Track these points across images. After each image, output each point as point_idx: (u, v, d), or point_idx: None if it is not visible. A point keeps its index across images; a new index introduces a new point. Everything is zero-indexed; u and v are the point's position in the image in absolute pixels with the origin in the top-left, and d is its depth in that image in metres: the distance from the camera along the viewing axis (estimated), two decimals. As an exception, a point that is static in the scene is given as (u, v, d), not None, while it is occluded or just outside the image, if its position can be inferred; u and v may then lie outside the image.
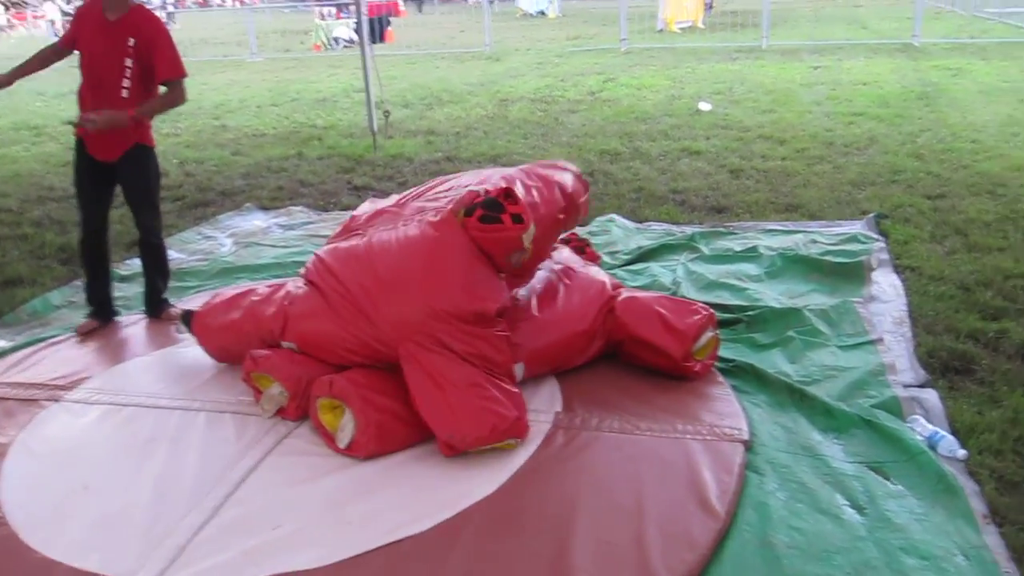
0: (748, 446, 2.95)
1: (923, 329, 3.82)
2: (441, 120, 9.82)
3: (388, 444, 2.98)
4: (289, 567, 2.46)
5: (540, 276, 3.65)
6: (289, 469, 2.95)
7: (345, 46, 19.60)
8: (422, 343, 3.01)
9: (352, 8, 16.57)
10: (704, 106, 9.58)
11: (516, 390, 3.09)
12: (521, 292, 3.51)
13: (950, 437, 2.92)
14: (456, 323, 3.01)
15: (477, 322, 3.05)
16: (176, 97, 4.10)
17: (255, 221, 6.18)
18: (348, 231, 3.49)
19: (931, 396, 3.25)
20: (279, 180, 7.38)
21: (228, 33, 24.52)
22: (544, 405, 3.26)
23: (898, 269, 4.52)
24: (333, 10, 22.59)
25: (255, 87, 13.77)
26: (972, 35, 15.27)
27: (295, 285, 3.46)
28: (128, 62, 3.92)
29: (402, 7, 27.92)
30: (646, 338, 3.40)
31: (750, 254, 4.75)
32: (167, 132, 9.79)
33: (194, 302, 4.56)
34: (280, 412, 3.25)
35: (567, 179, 3.63)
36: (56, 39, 4.11)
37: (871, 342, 3.66)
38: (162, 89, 4.08)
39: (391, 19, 21.98)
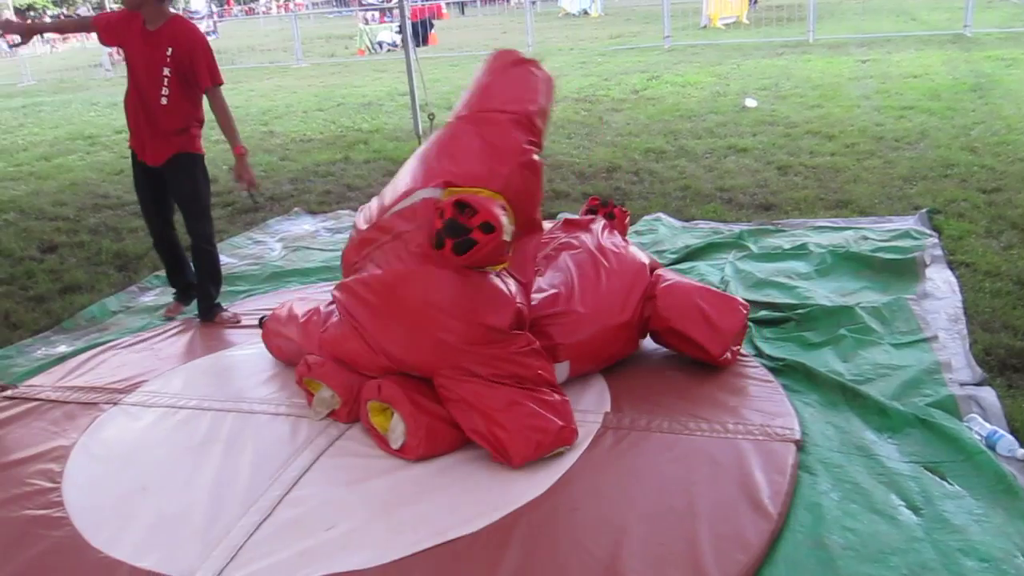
0: (800, 446, 2.92)
1: (979, 326, 3.75)
2: (485, 122, 9.83)
3: (438, 446, 3.00)
4: (342, 567, 2.49)
5: (579, 259, 3.64)
6: (342, 471, 2.99)
7: (389, 50, 19.77)
8: (450, 375, 3.00)
9: (396, 12, 16.69)
10: (750, 102, 9.48)
11: (558, 398, 3.04)
12: (560, 282, 3.50)
13: (1009, 436, 2.86)
14: (472, 349, 2.97)
15: (494, 341, 2.98)
16: (225, 104, 4.23)
17: (304, 225, 6.27)
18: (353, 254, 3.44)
19: (988, 395, 3.18)
20: (326, 184, 7.48)
21: (273, 40, 24.85)
22: (593, 405, 3.26)
23: (952, 265, 4.43)
24: (377, 14, 22.79)
25: (301, 93, 13.95)
26: (1027, 24, 14.90)
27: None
28: (166, 71, 4.07)
29: (445, 10, 28.05)
30: (687, 333, 3.41)
31: (799, 251, 4.70)
32: (216, 139, 9.91)
33: (244, 306, 4.66)
34: (331, 415, 3.29)
35: (526, 94, 3.20)
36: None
37: (925, 340, 3.60)
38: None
39: (434, 22, 22.10)
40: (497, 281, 3.08)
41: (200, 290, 4.53)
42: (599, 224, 3.92)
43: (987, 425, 2.93)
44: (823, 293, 4.14)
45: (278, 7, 45.94)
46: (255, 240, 5.97)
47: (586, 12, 27.30)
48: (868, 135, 7.55)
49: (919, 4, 20.89)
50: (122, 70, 4.47)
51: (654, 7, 20.50)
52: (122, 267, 5.62)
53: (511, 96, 3.16)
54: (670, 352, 3.60)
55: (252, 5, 50.18)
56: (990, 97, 8.83)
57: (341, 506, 2.78)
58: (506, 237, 2.86)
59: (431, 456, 2.99)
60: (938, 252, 4.59)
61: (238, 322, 4.45)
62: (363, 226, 3.29)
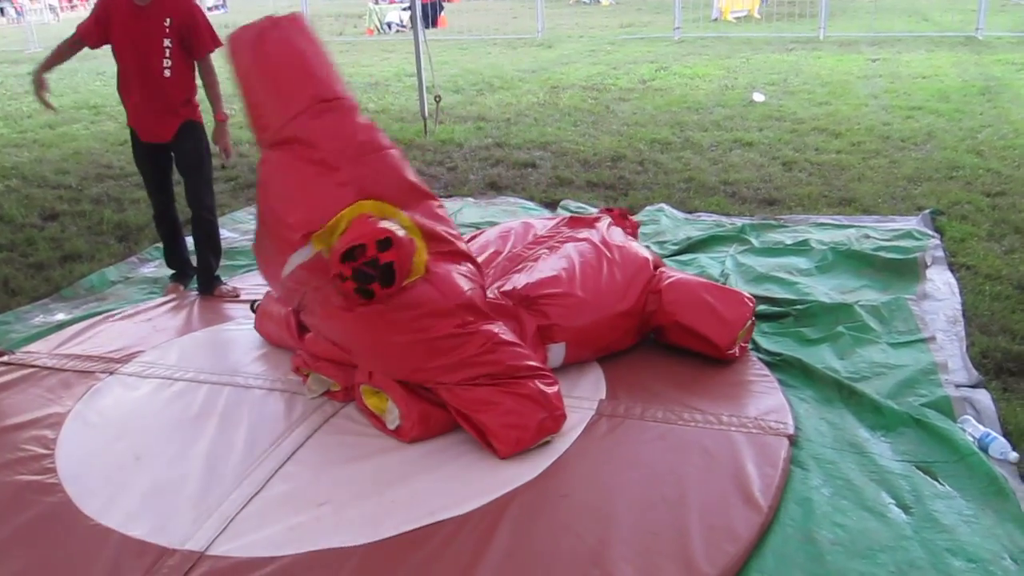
0: (793, 440, 2.93)
1: (977, 329, 3.75)
2: (492, 106, 9.83)
3: (432, 429, 3.00)
4: (332, 544, 2.50)
5: (581, 248, 3.64)
6: (335, 448, 2.99)
7: (398, 30, 19.68)
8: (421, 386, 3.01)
9: (406, -7, 16.63)
10: (758, 97, 9.45)
11: (538, 387, 2.94)
12: (562, 267, 3.51)
13: (1002, 439, 2.86)
14: (436, 364, 2.93)
15: (453, 348, 2.92)
16: (215, 70, 4.29)
17: (306, 203, 6.24)
18: None
19: (983, 397, 3.19)
20: (330, 163, 7.44)
21: (283, 16, 24.74)
22: (588, 392, 3.26)
23: (953, 267, 4.43)
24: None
25: (308, 70, 13.86)
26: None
27: None
28: (167, 42, 4.08)
29: (455, -8, 27.94)
30: (694, 327, 3.39)
31: (801, 247, 4.69)
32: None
33: (244, 281, 4.66)
34: (328, 394, 3.30)
35: (295, 79, 3.08)
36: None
37: (923, 340, 3.60)
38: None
39: (444, 4, 21.99)
40: (430, 287, 2.96)
41: (200, 261, 4.52)
42: (604, 222, 3.94)
43: (980, 427, 2.94)
44: (823, 290, 4.14)
45: (288, -17, 45.59)
46: (256, 215, 5.95)
47: (597, 0, 27.18)
48: (875, 134, 7.53)
49: (932, 5, 20.79)
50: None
51: (666, -2, 20.41)
52: (123, 238, 5.61)
53: (286, 93, 3.00)
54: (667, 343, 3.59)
55: (262, -20, 49.79)
56: (999, 101, 8.80)
57: (333, 483, 2.79)
58: (401, 232, 2.79)
59: (425, 438, 2.99)
60: (940, 253, 4.59)
61: (237, 296, 4.45)
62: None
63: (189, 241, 4.63)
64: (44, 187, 6.94)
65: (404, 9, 19.76)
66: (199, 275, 4.54)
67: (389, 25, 20.14)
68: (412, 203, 3.05)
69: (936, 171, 6.24)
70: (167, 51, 4.09)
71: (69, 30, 4.32)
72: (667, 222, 5.29)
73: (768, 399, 3.18)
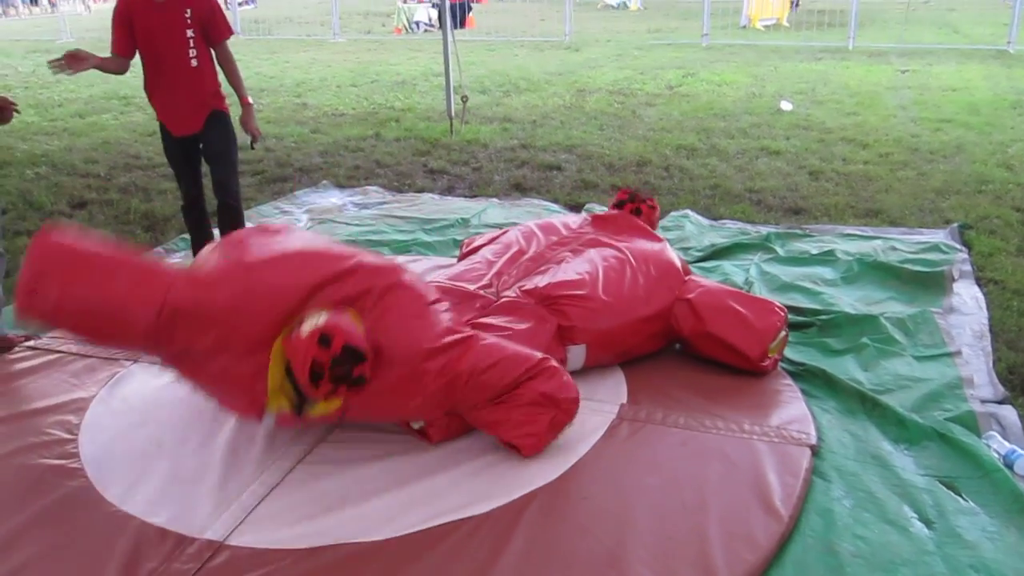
0: (815, 451, 2.91)
1: (1004, 344, 3.71)
2: (518, 108, 9.84)
3: (456, 431, 3.00)
4: (352, 538, 2.51)
5: (604, 254, 3.63)
6: (357, 443, 3.00)
7: (426, 30, 19.73)
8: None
9: (435, -8, 16.69)
10: (785, 105, 9.40)
11: (540, 390, 2.85)
12: (585, 270, 3.50)
13: (1028, 456, 2.83)
14: (441, 406, 2.89)
15: (450, 386, 2.80)
16: (233, 56, 4.46)
17: (331, 198, 6.29)
18: None
19: (1009, 413, 3.15)
20: (356, 159, 7.49)
21: (312, 13, 24.87)
22: (609, 396, 3.26)
23: (980, 281, 4.38)
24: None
25: (336, 67, 13.96)
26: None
27: None
28: (190, 33, 4.22)
29: (484, -7, 27.97)
30: (724, 337, 3.36)
31: (826, 258, 4.66)
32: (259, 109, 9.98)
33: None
34: None
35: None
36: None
37: (949, 354, 3.56)
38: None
39: (473, 5, 22.03)
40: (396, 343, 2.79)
41: None
42: (629, 228, 3.92)
43: (1006, 444, 2.91)
44: (848, 301, 4.11)
45: (318, -20, 45.84)
46: (282, 210, 5.99)
47: (625, 4, 27.14)
48: (903, 146, 7.47)
49: (963, 17, 20.61)
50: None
51: (694, 4, 20.34)
52: (149, 228, 5.65)
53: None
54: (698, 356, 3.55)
55: (292, -23, 50.10)
56: (1030, 115, 8.70)
57: (353, 478, 2.80)
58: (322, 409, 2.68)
59: (450, 438, 3.00)
60: (967, 267, 4.54)
61: None
62: None
63: (215, 234, 4.66)
64: (73, 175, 7.01)
65: (433, 6, 19.80)
66: None
67: (417, 24, 20.20)
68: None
69: (965, 184, 6.19)
70: (191, 41, 4.23)
71: (101, 22, 4.39)
72: (692, 228, 5.27)
73: (791, 409, 3.16)
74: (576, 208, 5.80)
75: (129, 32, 4.20)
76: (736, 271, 4.55)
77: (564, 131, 8.42)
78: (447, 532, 2.52)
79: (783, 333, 3.44)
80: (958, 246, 4.81)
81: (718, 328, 3.37)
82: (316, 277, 2.76)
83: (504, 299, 3.40)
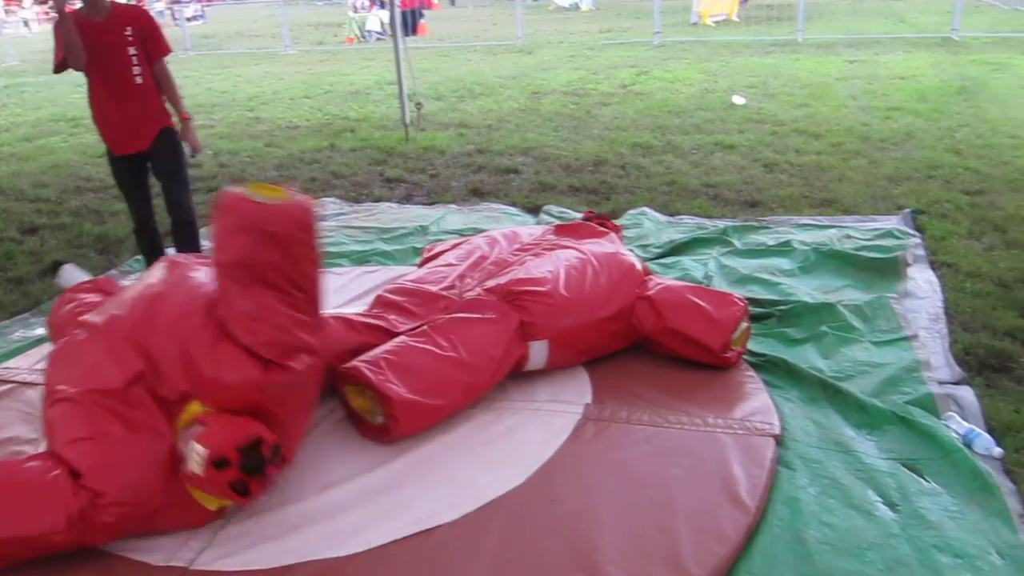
0: (779, 441, 2.93)
1: (959, 326, 3.77)
2: (473, 113, 9.83)
3: (417, 423, 2.98)
4: (322, 555, 2.48)
5: (566, 255, 3.65)
6: (321, 459, 2.97)
7: (378, 38, 19.66)
8: None
9: (386, 0, 16.63)
10: (738, 100, 9.50)
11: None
12: (547, 269, 3.51)
13: (986, 435, 2.88)
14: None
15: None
16: (170, 73, 4.43)
17: (288, 212, 6.22)
18: None
19: (967, 394, 3.20)
20: (312, 172, 7.43)
21: (262, 26, 24.70)
22: (574, 397, 3.26)
23: (934, 265, 4.46)
24: (367, 2, 22.64)
25: (289, 79, 13.87)
26: (1014, 29, 14.97)
27: None
28: (132, 50, 4.22)
29: (435, 0, 27.95)
30: (686, 331, 3.38)
31: (783, 248, 4.71)
32: (202, 123, 9.89)
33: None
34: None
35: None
36: None
37: (906, 338, 3.62)
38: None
39: (424, 12, 21.99)
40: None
41: None
42: (591, 232, 3.96)
43: (965, 423, 2.95)
44: (806, 290, 4.16)
45: (267, -7, 45.53)
46: (239, 226, 5.92)
47: (577, 6, 27.26)
48: (854, 135, 7.58)
49: (908, 6, 20.97)
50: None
51: (645, 3, 20.48)
52: (103, 250, 5.57)
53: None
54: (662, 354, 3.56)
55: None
56: (976, 100, 8.88)
57: (321, 494, 2.77)
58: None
59: (411, 433, 2.98)
60: (921, 252, 4.62)
61: None
62: None
63: (170, 253, 4.60)
64: (22, 200, 6.88)
65: (382, 7, 19.76)
66: None
67: (370, 33, 20.12)
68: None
69: (916, 171, 6.29)
70: (134, 59, 4.22)
71: (45, 43, 4.35)
72: (649, 225, 5.29)
73: (754, 400, 3.19)
74: (534, 211, 5.81)
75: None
76: (695, 266, 4.58)
77: (520, 134, 8.44)
78: (417, 543, 2.51)
79: (744, 324, 3.46)
80: (911, 231, 4.89)
81: (679, 322, 3.39)
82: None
83: (467, 298, 3.42)
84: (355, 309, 3.68)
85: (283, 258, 2.60)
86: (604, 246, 3.83)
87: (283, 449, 2.61)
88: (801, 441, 2.95)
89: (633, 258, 3.79)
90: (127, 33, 4.18)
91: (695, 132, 8.11)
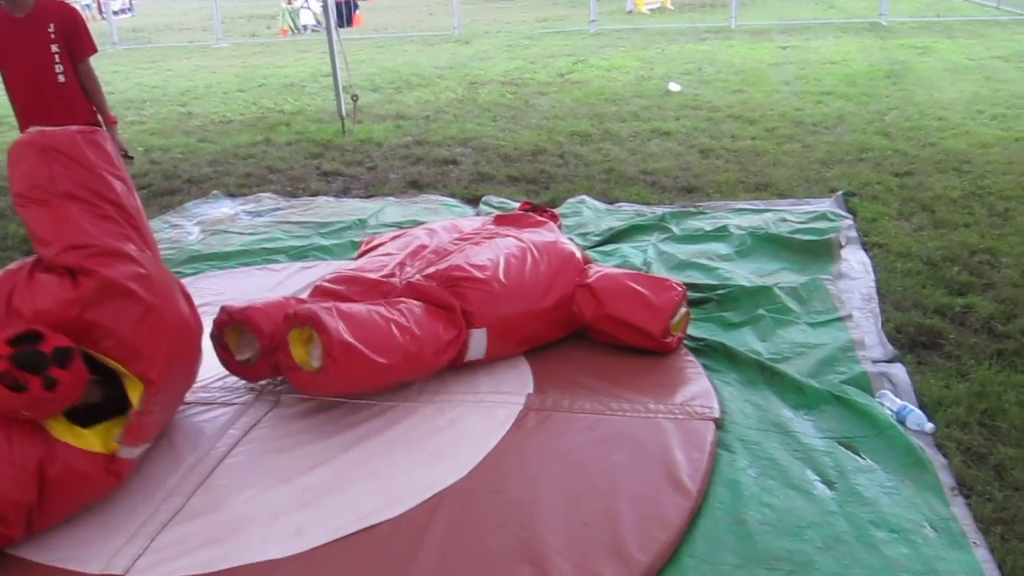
0: (719, 424, 2.96)
1: (891, 305, 3.85)
2: (410, 104, 9.75)
3: (353, 371, 2.93)
4: (260, 557, 2.43)
5: (506, 243, 3.64)
6: (260, 461, 2.91)
7: (314, 30, 19.38)
8: None
9: (319, -8, 16.38)
10: (674, 87, 9.58)
11: None
12: (487, 257, 3.50)
13: (918, 411, 2.95)
14: None
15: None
16: (95, 73, 4.36)
17: (223, 208, 6.11)
18: None
19: (899, 371, 3.28)
20: (247, 167, 7.30)
21: (193, 19, 24.19)
22: (515, 387, 3.25)
23: (866, 246, 4.55)
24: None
25: (221, 73, 13.59)
26: (939, 13, 15.37)
27: None
28: (54, 48, 4.12)
29: (370, -10, 27.65)
30: (625, 317, 3.39)
31: (720, 233, 4.76)
32: (132, 120, 9.65)
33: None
34: (247, 370, 3.22)
35: None
36: None
37: (840, 319, 3.68)
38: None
39: (359, 3, 21.74)
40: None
41: None
42: (530, 222, 3.96)
43: (898, 400, 3.02)
44: (743, 274, 4.21)
45: (198, -15, 44.60)
46: (172, 224, 5.79)
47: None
48: (788, 120, 7.70)
49: (837, -8, 21.38)
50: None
51: (580, -9, 20.55)
52: (29, 252, 5.35)
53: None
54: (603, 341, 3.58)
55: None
56: (903, 84, 9.09)
57: (259, 496, 2.71)
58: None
59: (348, 388, 2.97)
60: (853, 234, 4.71)
61: None
62: None
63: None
64: (-57, 203, 6.63)
65: (317, 1, 19.47)
66: None
67: (306, 27, 19.83)
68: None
69: (847, 154, 6.42)
70: (56, 56, 4.13)
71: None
72: (589, 213, 5.31)
73: (694, 385, 3.22)
74: (474, 202, 5.78)
75: None
76: (634, 253, 4.60)
77: (458, 125, 8.39)
78: (358, 541, 2.47)
79: (683, 310, 3.49)
80: (844, 213, 4.98)
81: (618, 309, 3.40)
82: None
83: (407, 283, 3.39)
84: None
85: (76, 168, 2.70)
86: (544, 235, 3.84)
87: (143, 372, 2.61)
88: (740, 424, 2.99)
89: (573, 247, 3.79)
90: (50, 30, 4.07)
91: (632, 120, 8.16)
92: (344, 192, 6.38)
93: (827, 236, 4.55)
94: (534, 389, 3.23)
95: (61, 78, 4.14)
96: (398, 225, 5.12)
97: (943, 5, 17.04)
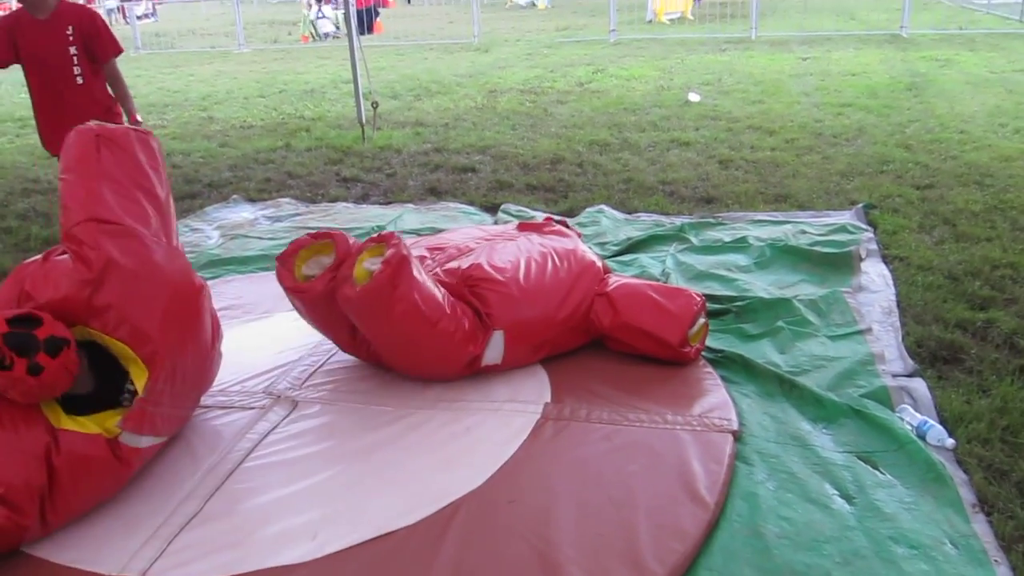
0: (737, 436, 2.95)
1: (912, 319, 3.82)
2: (430, 111, 9.79)
3: (399, 290, 3.03)
4: (276, 562, 2.44)
5: (528, 246, 3.64)
6: (278, 465, 2.92)
7: (335, 37, 19.49)
8: None
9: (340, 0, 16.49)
10: (693, 97, 9.57)
11: None
12: (508, 259, 3.51)
13: (939, 426, 2.92)
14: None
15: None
16: (121, 74, 4.40)
17: (243, 213, 6.15)
18: None
19: (920, 385, 3.25)
20: (267, 172, 7.34)
21: (215, 24, 24.38)
22: (533, 396, 3.24)
23: (887, 259, 4.52)
24: (313, 2, 22.43)
25: (242, 78, 13.69)
26: (960, 25, 15.30)
27: None
28: (73, 50, 4.18)
29: (391, -2, 27.84)
30: (642, 326, 3.39)
31: (739, 244, 4.74)
32: (154, 124, 9.73)
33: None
34: (301, 287, 3.23)
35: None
36: None
37: (860, 332, 3.66)
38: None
39: (380, 10, 21.86)
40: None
41: None
42: (553, 230, 3.97)
43: (918, 415, 2.99)
44: (762, 286, 4.19)
45: (220, -9, 44.98)
46: (192, 228, 5.83)
47: (533, 4, 27.30)
48: (808, 131, 7.67)
49: (859, 4, 21.32)
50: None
51: (601, 1, 20.58)
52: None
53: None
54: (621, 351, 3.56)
55: (193, -12, 49.07)
56: (925, 96, 9.04)
57: (275, 499, 2.72)
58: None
59: (384, 307, 3.02)
60: (873, 246, 4.68)
61: None
62: None
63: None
64: (-33, 204, 6.70)
65: (335, 8, 19.59)
66: None
67: (327, 35, 19.95)
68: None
69: (867, 166, 6.38)
70: (75, 58, 4.18)
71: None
72: (607, 223, 5.30)
73: (712, 396, 3.20)
74: (492, 209, 5.79)
75: (12, 47, 4.11)
76: (653, 263, 4.59)
77: (477, 132, 8.41)
78: (373, 548, 2.47)
79: (702, 320, 3.48)
80: (864, 226, 4.95)
81: (635, 317, 3.40)
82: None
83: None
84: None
85: (123, 156, 2.87)
86: (565, 242, 3.83)
87: (147, 358, 2.65)
88: (759, 436, 2.97)
89: (593, 255, 3.79)
90: (68, 32, 4.13)
91: (651, 129, 8.15)
92: (363, 198, 6.40)
93: (847, 248, 4.52)
94: (552, 398, 3.23)
95: (79, 80, 4.20)
96: (417, 232, 5.14)
97: (965, 17, 16.96)
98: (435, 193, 6.39)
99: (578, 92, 10.55)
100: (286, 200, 6.37)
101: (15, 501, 2.41)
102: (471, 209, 5.85)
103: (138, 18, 23.39)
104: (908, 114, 8.17)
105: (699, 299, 3.48)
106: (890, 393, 3.17)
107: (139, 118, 4.46)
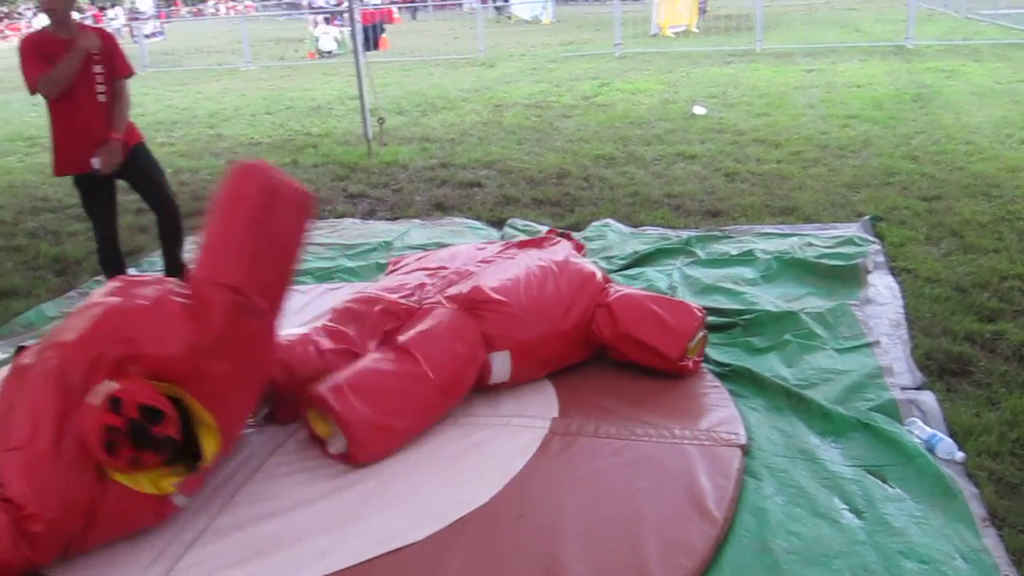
0: (745, 451, 2.94)
1: (920, 331, 3.81)
2: (436, 127, 9.82)
3: (380, 447, 2.96)
4: (285, 578, 2.44)
5: (527, 263, 3.64)
6: (284, 481, 2.92)
7: (337, 54, 19.59)
8: None
9: (345, 16, 16.58)
10: (699, 110, 9.58)
11: None
12: (507, 278, 3.51)
13: (948, 440, 2.91)
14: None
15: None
16: (127, 95, 4.42)
17: (250, 229, 6.15)
18: None
19: (928, 398, 3.24)
20: (274, 188, 7.35)
21: (222, 42, 24.53)
22: (540, 411, 3.24)
23: (894, 271, 4.51)
24: (319, 20, 22.56)
25: (249, 95, 13.77)
26: (965, 37, 15.29)
27: None
28: (98, 68, 4.22)
29: (396, 14, 27.90)
30: (642, 338, 3.39)
31: (746, 258, 4.74)
32: (161, 141, 9.78)
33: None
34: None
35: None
36: None
37: (868, 345, 3.65)
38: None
39: (386, 26, 21.95)
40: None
41: (171, 261, 4.71)
42: (554, 244, 3.97)
43: (927, 428, 2.98)
44: (769, 299, 4.19)
45: (227, 8, 45.34)
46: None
47: (538, 19, 27.40)
48: (813, 143, 7.67)
49: (863, 16, 21.34)
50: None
51: (605, 14, 20.64)
52: (61, 272, 5.47)
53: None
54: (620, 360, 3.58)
55: (200, 6, 49.50)
56: (930, 107, 9.03)
57: (284, 517, 2.72)
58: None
59: (379, 457, 2.95)
60: (880, 259, 4.67)
61: None
62: None
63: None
64: (-23, 223, 6.75)
65: (339, 25, 19.68)
66: (172, 274, 4.53)
67: (330, 52, 20.06)
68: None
69: (873, 178, 6.38)
70: (99, 76, 4.22)
71: (7, 58, 4.31)
72: (613, 237, 5.31)
73: (719, 410, 3.19)
74: (498, 224, 5.80)
75: (43, 56, 4.11)
76: (659, 277, 4.59)
77: (483, 147, 8.43)
78: (384, 564, 2.48)
79: (701, 334, 3.49)
80: (871, 238, 4.95)
81: (635, 329, 3.40)
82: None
83: (427, 305, 3.40)
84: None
85: (291, 221, 2.83)
86: (565, 256, 3.83)
87: (222, 430, 2.66)
88: (767, 450, 2.96)
89: (592, 266, 3.79)
90: (95, 52, 4.17)
91: (657, 143, 8.16)
92: (370, 214, 6.42)
93: (854, 261, 4.52)
94: (559, 413, 3.23)
95: (101, 98, 4.22)
96: (423, 247, 5.15)
97: (970, 28, 16.96)
98: (441, 208, 6.41)
99: (583, 106, 10.57)
100: (293, 216, 6.38)
101: (42, 544, 2.40)
102: (478, 224, 5.86)
103: (146, 36, 23.58)
104: (914, 125, 8.17)
105: (700, 314, 3.49)
106: (899, 406, 3.16)
107: (119, 136, 4.31)
